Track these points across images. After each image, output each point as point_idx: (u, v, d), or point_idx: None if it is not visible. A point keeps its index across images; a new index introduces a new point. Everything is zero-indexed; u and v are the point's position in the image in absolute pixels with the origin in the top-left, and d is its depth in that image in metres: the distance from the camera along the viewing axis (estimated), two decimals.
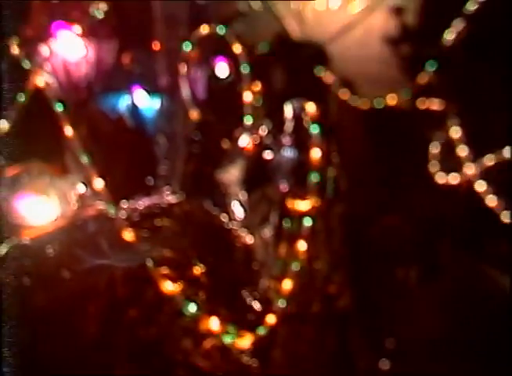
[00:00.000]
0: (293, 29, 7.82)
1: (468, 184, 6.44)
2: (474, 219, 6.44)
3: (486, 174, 6.40)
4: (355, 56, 7.52)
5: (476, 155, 6.46)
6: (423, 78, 6.86)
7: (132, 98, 7.69)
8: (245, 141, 5.92)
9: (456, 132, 6.60)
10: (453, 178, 6.60)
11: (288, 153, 5.78)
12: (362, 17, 7.72)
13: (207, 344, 5.18)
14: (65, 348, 4.89)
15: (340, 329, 5.80)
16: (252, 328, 5.26)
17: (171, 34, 7.62)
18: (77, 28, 6.93)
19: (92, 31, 7.15)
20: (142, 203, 5.48)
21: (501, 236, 6.24)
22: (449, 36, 6.73)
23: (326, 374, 5.53)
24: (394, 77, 7.37)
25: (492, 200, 6.34)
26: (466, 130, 6.54)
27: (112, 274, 5.08)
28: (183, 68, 7.47)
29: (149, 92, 7.73)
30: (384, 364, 6.15)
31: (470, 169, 6.48)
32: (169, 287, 5.13)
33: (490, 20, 6.57)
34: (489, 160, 6.46)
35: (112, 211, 5.30)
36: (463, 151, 6.57)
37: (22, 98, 6.16)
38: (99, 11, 7.16)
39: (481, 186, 6.39)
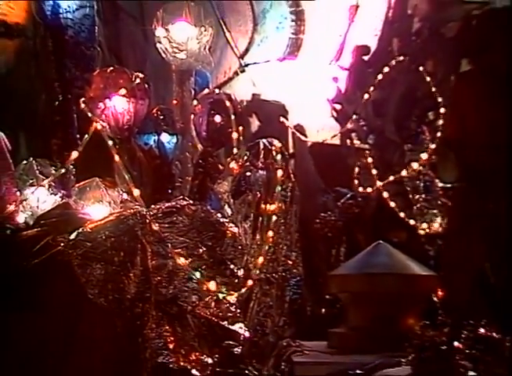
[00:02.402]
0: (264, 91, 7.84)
1: (378, 192, 6.43)
2: (381, 215, 6.44)
3: (389, 186, 6.40)
4: (304, 110, 7.55)
5: (382, 174, 6.46)
6: (349, 125, 6.87)
7: (158, 136, 7.70)
8: (233, 164, 5.89)
9: (369, 160, 6.60)
10: (369, 189, 6.60)
11: (261, 172, 5.75)
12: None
13: (207, 299, 5.17)
14: (112, 301, 4.89)
15: (295, 288, 5.78)
16: (237, 289, 5.24)
17: (184, 94, 7.63)
18: (122, 90, 6.93)
19: (132, 92, 7.14)
20: (164, 205, 5.44)
21: (399, 227, 6.25)
22: (365, 97, 6.75)
23: (285, 318, 5.51)
24: (331, 124, 7.39)
25: (393, 203, 6.34)
26: (376, 159, 6.54)
27: (144, 252, 5.07)
28: (192, 117, 7.49)
29: (169, 132, 7.73)
30: (323, 310, 6.14)
31: (378, 183, 6.47)
32: (182, 261, 5.13)
33: (389, 85, 6.61)
34: (391, 177, 6.46)
35: (144, 210, 5.29)
36: (374, 172, 6.58)
37: (86, 136, 6.14)
38: (137, 79, 7.15)
39: (386, 194, 6.39)
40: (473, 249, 5.19)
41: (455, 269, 5.34)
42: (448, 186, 6.32)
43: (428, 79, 6.53)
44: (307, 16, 8.45)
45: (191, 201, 5.60)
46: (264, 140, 5.82)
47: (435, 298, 5.59)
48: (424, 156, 6.40)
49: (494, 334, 4.12)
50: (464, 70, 5.83)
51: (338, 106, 7.16)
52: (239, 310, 5.21)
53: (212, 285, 5.09)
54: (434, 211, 6.26)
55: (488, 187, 5.11)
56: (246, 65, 8.59)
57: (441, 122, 6.39)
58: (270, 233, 5.40)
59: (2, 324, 4.76)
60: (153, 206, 5.39)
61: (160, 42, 7.65)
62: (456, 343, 4.09)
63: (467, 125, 5.23)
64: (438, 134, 6.37)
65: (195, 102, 7.56)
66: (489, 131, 5.06)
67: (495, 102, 5.00)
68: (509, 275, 5.59)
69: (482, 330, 4.15)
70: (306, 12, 8.42)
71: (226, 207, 5.70)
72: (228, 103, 7.37)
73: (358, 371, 4.34)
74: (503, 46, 5.10)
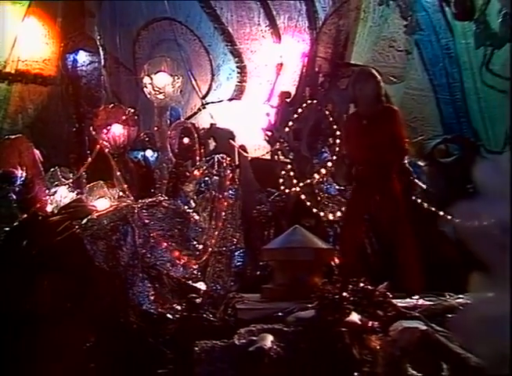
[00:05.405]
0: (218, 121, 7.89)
1: (296, 192, 6.46)
2: (298, 208, 6.43)
3: (303, 188, 6.41)
4: (246, 134, 7.60)
5: (299, 180, 6.47)
6: (276, 146, 6.92)
7: (144, 152, 7.69)
8: (196, 172, 5.91)
9: (290, 170, 6.61)
10: (290, 190, 6.60)
11: (216, 178, 5.78)
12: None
13: (178, 265, 5.20)
14: (111, 267, 4.91)
15: (239, 258, 5.80)
16: (198, 258, 5.30)
17: (162, 123, 7.65)
18: (120, 121, 6.92)
19: (126, 122, 7.14)
20: (147, 200, 5.46)
21: (310, 216, 6.29)
22: (288, 127, 6.82)
23: (232, 278, 5.53)
24: (264, 145, 7.45)
25: (308, 202, 6.34)
26: (294, 169, 6.55)
27: (133, 233, 5.07)
28: (168, 139, 7.48)
29: (152, 150, 7.72)
30: (258, 273, 6.13)
31: (297, 186, 6.47)
32: (160, 239, 5.16)
33: (303, 120, 6.70)
34: (305, 181, 6.47)
35: (134, 204, 5.30)
36: (293, 178, 6.59)
37: (94, 152, 6.11)
38: (130, 112, 7.16)
39: (301, 193, 6.41)
40: (357, 229, 5.32)
41: (345, 244, 5.46)
42: (342, 188, 6.45)
43: (329, 116, 6.66)
44: (248, 69, 8.56)
45: (166, 198, 5.69)
46: (218, 156, 5.89)
47: (332, 264, 5.68)
48: (326, 167, 6.51)
49: (369, 287, 4.26)
50: (351, 111, 5.95)
51: (269, 133, 7.23)
52: (199, 273, 5.30)
53: (182, 256, 5.16)
54: (333, 205, 6.36)
55: (369, 188, 5.25)
56: (207, 103, 8.64)
57: (337, 145, 6.52)
58: (222, 220, 5.51)
59: (35, 280, 4.77)
60: (140, 201, 5.49)
61: (146, 87, 7.69)
62: (344, 293, 4.21)
63: (354, 148, 5.38)
64: (335, 153, 6.50)
65: (170, 128, 7.61)
66: (367, 152, 5.21)
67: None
68: (379, 248, 5.78)
69: (361, 285, 4.28)
70: (248, 67, 8.54)
71: (191, 201, 5.75)
72: (193, 130, 7.42)
73: (280, 313, 4.43)
74: (366, 98, 5.22)
